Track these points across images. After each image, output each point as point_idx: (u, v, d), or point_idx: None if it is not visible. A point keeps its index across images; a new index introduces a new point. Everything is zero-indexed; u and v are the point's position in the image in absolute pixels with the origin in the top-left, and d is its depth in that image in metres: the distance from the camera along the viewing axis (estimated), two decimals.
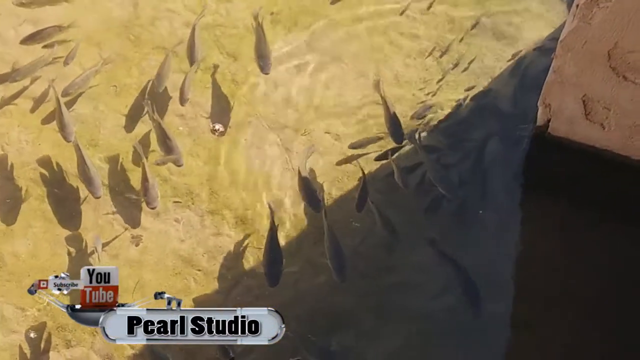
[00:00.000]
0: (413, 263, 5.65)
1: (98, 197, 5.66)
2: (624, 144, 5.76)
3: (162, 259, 5.62)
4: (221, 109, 6.22)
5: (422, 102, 6.27)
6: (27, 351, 5.26)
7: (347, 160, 6.04)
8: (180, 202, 5.83)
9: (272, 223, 5.62)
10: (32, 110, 6.08)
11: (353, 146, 6.05)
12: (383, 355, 5.34)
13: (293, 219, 5.81)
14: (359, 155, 6.03)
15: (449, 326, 5.43)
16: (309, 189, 5.79)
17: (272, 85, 6.31)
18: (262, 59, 6.22)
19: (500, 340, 5.48)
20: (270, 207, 5.69)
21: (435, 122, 6.20)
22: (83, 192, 5.75)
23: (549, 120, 5.90)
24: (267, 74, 6.22)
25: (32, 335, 5.30)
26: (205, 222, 5.77)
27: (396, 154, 6.00)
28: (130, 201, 5.78)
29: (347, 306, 5.47)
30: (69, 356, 5.28)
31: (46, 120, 6.03)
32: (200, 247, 5.67)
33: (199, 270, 5.59)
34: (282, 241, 5.65)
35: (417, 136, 6.06)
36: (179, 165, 5.83)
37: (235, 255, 5.65)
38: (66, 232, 5.65)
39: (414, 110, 6.21)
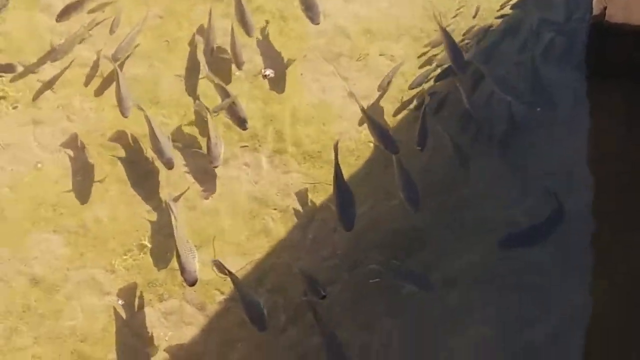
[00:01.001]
0: (484, 175, 5.65)
1: (170, 168, 5.69)
2: None
3: (238, 203, 5.71)
4: (272, 48, 6.22)
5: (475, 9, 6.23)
6: (123, 311, 5.41)
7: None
8: (248, 146, 5.89)
9: (337, 165, 5.48)
10: (90, 78, 6.13)
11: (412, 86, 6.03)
12: (466, 267, 5.38)
13: (360, 145, 5.83)
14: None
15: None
16: (381, 130, 5.71)
17: (320, 15, 6.24)
18: (310, 10, 6.10)
19: (583, 235, 5.47)
20: (334, 147, 5.57)
21: (490, 28, 6.15)
22: (152, 151, 5.81)
23: (605, 8, 5.78)
24: (317, 24, 6.08)
25: (125, 294, 5.44)
26: (274, 162, 5.82)
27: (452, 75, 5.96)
28: (199, 153, 5.84)
29: (424, 225, 5.51)
30: (163, 309, 5.42)
31: (104, 87, 6.10)
32: (272, 187, 5.74)
33: (275, 209, 5.67)
34: (351, 169, 5.69)
35: (474, 50, 5.98)
36: (244, 128, 5.81)
37: (308, 191, 5.70)
38: (141, 192, 5.76)
39: (465, 20, 6.17)
